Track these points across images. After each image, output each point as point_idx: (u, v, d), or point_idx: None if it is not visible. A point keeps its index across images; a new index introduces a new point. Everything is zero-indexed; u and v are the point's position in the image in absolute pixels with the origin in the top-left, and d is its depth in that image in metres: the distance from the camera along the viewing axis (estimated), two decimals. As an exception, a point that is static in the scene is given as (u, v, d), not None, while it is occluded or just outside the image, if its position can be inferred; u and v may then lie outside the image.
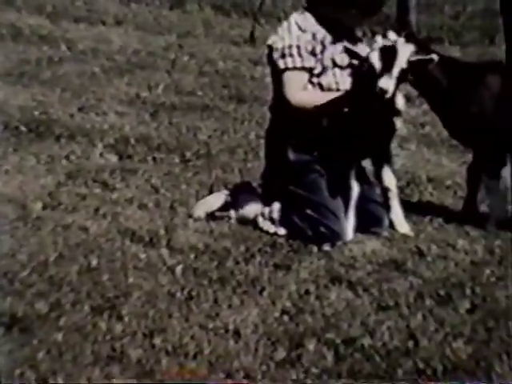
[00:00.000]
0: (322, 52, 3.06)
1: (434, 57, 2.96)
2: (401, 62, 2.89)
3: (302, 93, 3.05)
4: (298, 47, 3.04)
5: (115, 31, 6.91)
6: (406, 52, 2.91)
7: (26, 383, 2.07)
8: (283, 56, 3.05)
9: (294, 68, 3.05)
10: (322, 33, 3.08)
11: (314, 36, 3.06)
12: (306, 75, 3.06)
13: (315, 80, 3.08)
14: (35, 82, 5.05)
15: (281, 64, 3.06)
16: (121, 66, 5.70)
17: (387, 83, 2.87)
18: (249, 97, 5.09)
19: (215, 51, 6.36)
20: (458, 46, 6.77)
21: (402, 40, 2.93)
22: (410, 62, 2.91)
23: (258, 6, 7.46)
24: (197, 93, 5.15)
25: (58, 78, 5.22)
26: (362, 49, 3.03)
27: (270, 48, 3.11)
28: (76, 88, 5.00)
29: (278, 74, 3.09)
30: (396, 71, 2.88)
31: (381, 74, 2.88)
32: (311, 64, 3.05)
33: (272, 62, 3.12)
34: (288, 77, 3.05)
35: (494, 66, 3.38)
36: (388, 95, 2.88)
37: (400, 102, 3.05)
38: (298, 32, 3.06)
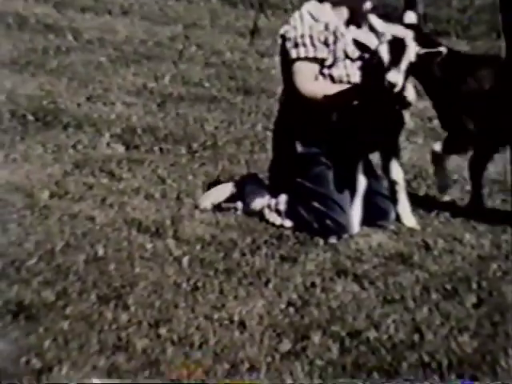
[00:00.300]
0: (335, 43, 3.05)
1: (443, 50, 2.95)
2: (409, 56, 2.88)
3: (313, 83, 3.04)
4: (311, 37, 3.02)
5: (121, 21, 6.89)
6: (414, 45, 2.90)
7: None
8: (296, 45, 3.03)
9: (306, 58, 3.03)
10: (334, 23, 3.06)
11: (326, 26, 3.05)
12: (317, 66, 3.05)
13: (326, 71, 3.07)
14: (42, 71, 5.05)
15: (293, 53, 3.04)
16: (127, 56, 5.69)
17: (395, 77, 2.86)
18: (256, 88, 5.07)
19: (222, 42, 6.35)
20: (466, 40, 6.73)
21: (410, 33, 2.92)
22: (418, 56, 2.90)
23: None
24: (204, 84, 5.14)
25: (65, 67, 5.21)
26: (371, 41, 3.02)
27: (283, 38, 3.09)
28: (83, 77, 5.00)
29: (289, 64, 3.07)
30: (404, 64, 2.88)
31: (389, 68, 2.87)
32: (324, 55, 3.04)
33: (284, 52, 3.10)
34: (299, 67, 3.03)
35: (489, 59, 3.34)
36: (397, 89, 2.88)
37: (411, 94, 3.04)
38: (311, 21, 3.04)
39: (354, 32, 3.06)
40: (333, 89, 3.04)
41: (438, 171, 3.35)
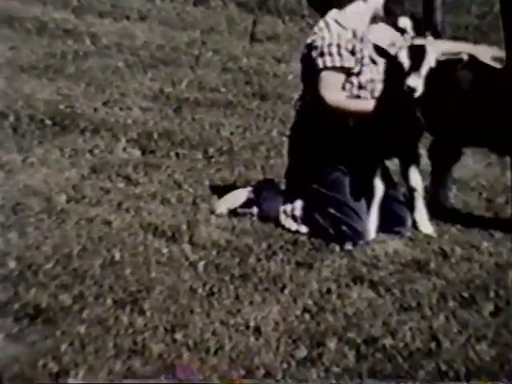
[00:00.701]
0: (362, 50, 3.03)
1: (464, 56, 2.94)
2: (429, 61, 2.88)
3: (338, 94, 3.03)
4: (339, 46, 3.00)
5: (139, 26, 6.92)
6: (434, 51, 2.89)
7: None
8: (322, 55, 3.02)
9: (333, 68, 3.02)
10: (361, 29, 3.05)
11: (354, 33, 3.03)
12: (343, 75, 3.03)
13: (355, 80, 3.05)
14: (60, 76, 5.08)
15: (320, 63, 3.02)
16: (145, 61, 5.71)
17: (415, 82, 2.86)
18: (272, 94, 5.08)
19: (239, 48, 6.36)
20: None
21: (431, 39, 2.92)
22: (438, 62, 2.89)
23: (283, 3, 7.44)
24: (220, 89, 5.15)
25: (83, 72, 5.24)
26: (391, 47, 3.01)
27: (309, 47, 3.07)
28: (100, 82, 5.03)
29: (314, 73, 3.05)
30: (425, 70, 2.87)
31: (409, 73, 2.87)
32: (350, 64, 3.02)
33: (307, 60, 3.08)
34: (326, 76, 3.02)
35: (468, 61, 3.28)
36: (417, 94, 2.87)
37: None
38: (339, 29, 3.03)
39: (374, 33, 3.05)
40: (358, 103, 3.02)
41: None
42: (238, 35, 6.92)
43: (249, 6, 8.16)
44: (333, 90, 3.01)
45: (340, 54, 3.01)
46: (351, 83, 3.05)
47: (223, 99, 4.92)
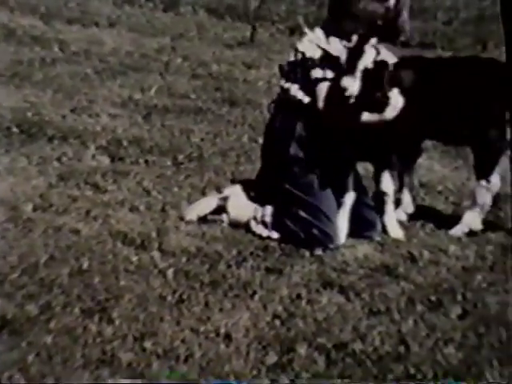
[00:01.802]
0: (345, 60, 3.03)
1: (390, 60, 2.94)
2: (365, 62, 2.89)
3: (331, 103, 3.01)
4: (329, 58, 3.01)
5: (108, 33, 6.89)
6: (372, 53, 2.91)
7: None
8: (313, 67, 3.02)
9: (324, 79, 3.01)
10: (343, 42, 3.05)
11: (338, 44, 3.04)
12: (333, 84, 3.02)
13: (341, 88, 3.04)
14: (27, 83, 5.03)
15: (315, 74, 3.01)
16: (113, 67, 5.68)
17: (348, 82, 2.87)
18: (242, 100, 5.08)
19: (209, 54, 6.36)
20: (451, 52, 6.79)
21: (373, 40, 2.94)
22: (375, 62, 2.91)
23: (252, 9, 7.47)
24: (190, 95, 5.14)
25: (51, 79, 5.20)
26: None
27: (303, 55, 3.05)
28: (68, 89, 4.99)
29: (310, 83, 3.03)
30: (360, 70, 2.88)
31: (345, 73, 2.89)
32: (338, 73, 3.01)
33: (300, 69, 3.06)
34: (320, 88, 3.01)
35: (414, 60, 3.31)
36: (349, 94, 2.87)
37: (396, 100, 3.00)
38: (327, 42, 3.04)
39: (335, 43, 3.07)
40: (350, 109, 3.00)
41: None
42: (208, 41, 6.93)
43: (218, 12, 8.17)
44: (327, 101, 3.00)
45: (330, 66, 3.01)
46: (340, 92, 3.05)
47: (193, 105, 4.91)
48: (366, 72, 2.90)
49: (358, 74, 2.89)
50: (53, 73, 5.35)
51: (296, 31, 7.05)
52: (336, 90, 2.96)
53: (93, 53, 6.03)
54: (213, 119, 4.69)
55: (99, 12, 7.64)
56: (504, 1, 3.25)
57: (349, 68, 2.90)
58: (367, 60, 2.91)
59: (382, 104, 2.94)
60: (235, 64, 6.08)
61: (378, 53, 2.93)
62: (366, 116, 2.98)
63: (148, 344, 2.27)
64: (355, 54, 2.91)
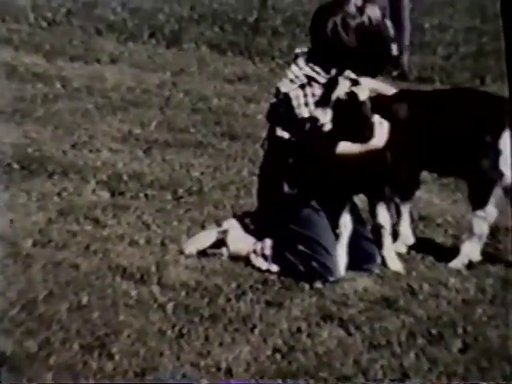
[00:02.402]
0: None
1: (362, 95, 2.96)
2: (338, 93, 2.92)
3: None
4: (313, 95, 3.01)
5: (110, 69, 6.96)
6: (346, 84, 2.94)
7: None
8: (299, 106, 3.02)
9: (311, 118, 3.04)
10: (324, 75, 3.07)
11: (321, 78, 3.05)
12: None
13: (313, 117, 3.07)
14: (28, 120, 5.07)
15: (299, 112, 3.01)
16: (114, 103, 5.73)
17: (319, 113, 2.90)
18: (241, 134, 5.11)
19: (209, 88, 6.42)
20: (449, 86, 6.85)
21: (348, 72, 2.97)
22: (347, 94, 2.94)
23: (249, 42, 7.55)
24: (190, 130, 5.18)
25: (52, 115, 5.24)
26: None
27: (285, 95, 3.04)
28: (69, 125, 5.02)
29: (295, 122, 3.03)
30: (332, 101, 2.91)
31: (318, 104, 2.92)
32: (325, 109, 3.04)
33: (284, 109, 3.07)
34: (305, 125, 3.02)
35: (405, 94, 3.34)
36: (320, 124, 2.90)
37: (381, 131, 3.02)
38: (309, 78, 3.04)
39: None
40: (342, 145, 3.02)
41: None
42: (209, 76, 7.00)
43: (221, 48, 8.27)
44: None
45: (315, 103, 3.02)
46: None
47: (193, 140, 4.94)
48: (339, 102, 2.92)
49: (331, 104, 2.92)
50: (54, 109, 5.39)
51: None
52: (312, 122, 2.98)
53: (94, 89, 6.08)
54: (213, 153, 4.71)
55: (103, 49, 7.73)
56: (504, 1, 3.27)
57: (322, 99, 2.93)
58: (340, 91, 2.93)
59: (363, 133, 2.96)
60: (235, 98, 6.13)
61: (356, 84, 2.95)
62: (350, 147, 2.99)
63: (149, 379, 2.25)
64: (330, 85, 2.94)
